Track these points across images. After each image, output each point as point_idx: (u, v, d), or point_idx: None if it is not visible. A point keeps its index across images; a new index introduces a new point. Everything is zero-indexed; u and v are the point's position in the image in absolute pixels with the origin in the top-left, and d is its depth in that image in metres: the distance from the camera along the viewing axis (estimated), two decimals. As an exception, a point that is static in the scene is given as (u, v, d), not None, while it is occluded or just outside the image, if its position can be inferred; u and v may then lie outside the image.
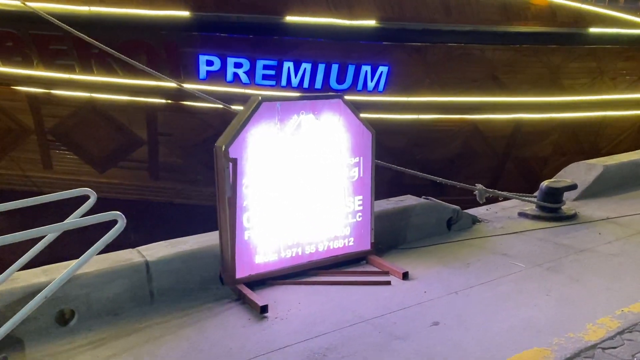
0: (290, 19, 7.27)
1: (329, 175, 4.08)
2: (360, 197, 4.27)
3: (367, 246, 4.32)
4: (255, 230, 3.80)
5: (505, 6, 8.02)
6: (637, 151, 7.32)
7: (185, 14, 7.09)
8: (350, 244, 4.26)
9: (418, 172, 5.66)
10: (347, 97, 4.13)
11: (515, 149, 9.51)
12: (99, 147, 8.53)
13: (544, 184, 5.49)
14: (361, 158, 4.24)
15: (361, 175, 4.25)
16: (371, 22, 7.54)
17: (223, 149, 3.58)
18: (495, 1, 7.95)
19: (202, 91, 7.72)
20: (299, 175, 3.94)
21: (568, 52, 8.75)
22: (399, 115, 8.54)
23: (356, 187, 4.23)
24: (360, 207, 4.28)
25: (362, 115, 4.18)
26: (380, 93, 8.21)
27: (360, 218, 4.27)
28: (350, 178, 4.20)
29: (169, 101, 7.94)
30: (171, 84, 7.58)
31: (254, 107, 3.71)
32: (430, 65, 8.15)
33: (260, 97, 3.75)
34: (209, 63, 7.55)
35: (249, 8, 7.18)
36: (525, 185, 9.09)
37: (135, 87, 7.80)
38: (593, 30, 8.73)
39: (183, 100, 7.93)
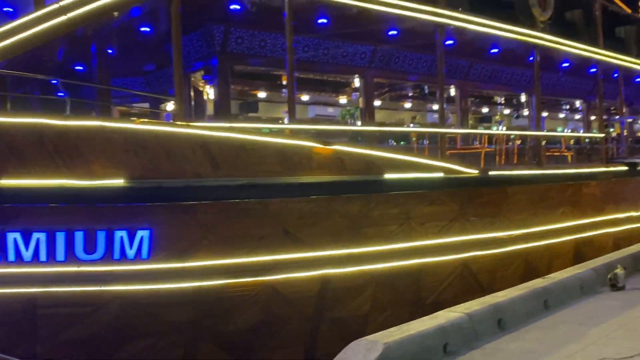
0: (5, 182, 5.88)
1: None
2: None
3: None
4: None
5: (285, 157, 7.28)
6: (435, 314, 6.34)
7: None
8: None
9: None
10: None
11: (327, 309, 8.36)
12: None
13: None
14: None
15: None
16: (119, 182, 6.35)
17: None
18: (272, 152, 7.19)
19: None
20: None
21: (366, 200, 8.10)
22: (176, 284, 7.14)
23: None
24: None
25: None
26: (146, 260, 6.83)
27: None
28: None
29: None
30: None
31: None
32: (204, 224, 7.01)
33: None
34: None
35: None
36: (348, 348, 7.85)
37: None
38: (388, 176, 8.23)
39: None
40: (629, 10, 18.03)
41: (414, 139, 13.18)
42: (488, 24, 10.10)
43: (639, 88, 17.18)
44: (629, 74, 16.13)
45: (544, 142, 16.44)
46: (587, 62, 14.03)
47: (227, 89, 9.27)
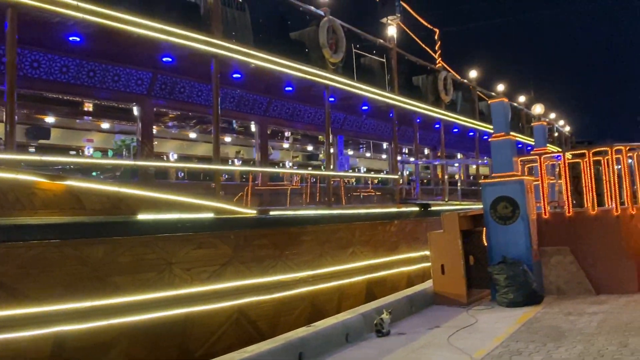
0: None
1: None
2: None
3: None
4: None
5: (-5, 192, 6.03)
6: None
7: None
8: None
9: None
10: None
11: (66, 371, 7.07)
12: None
13: None
14: None
15: None
16: None
17: None
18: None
19: None
20: None
21: (112, 244, 7.07)
22: None
23: None
24: None
25: None
26: None
27: None
28: None
29: None
30: None
31: None
32: None
33: None
34: None
35: None
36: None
37: None
38: (143, 217, 7.31)
39: None
40: (439, 61, 19.60)
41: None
42: (271, 60, 9.84)
43: (440, 133, 18.38)
44: (430, 120, 17.23)
45: (377, 181, 16.80)
46: (388, 107, 14.60)
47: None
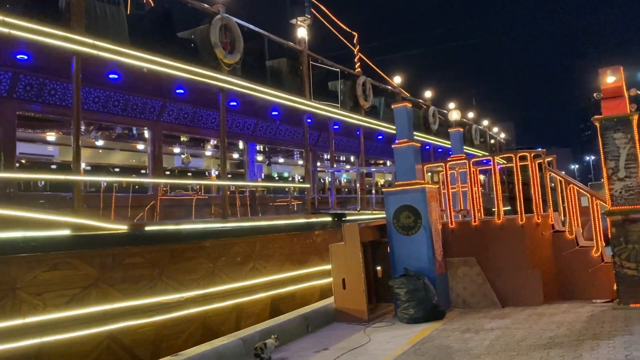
0: None
1: None
2: None
3: None
4: None
5: None
6: None
7: None
8: None
9: None
10: None
11: None
12: None
13: None
14: None
15: None
16: None
17: None
18: None
19: None
20: None
21: None
22: None
23: None
24: None
25: None
26: None
27: None
28: None
29: None
30: None
31: None
32: None
33: None
34: None
35: None
36: None
37: None
38: (-27, 236, 6.32)
39: None
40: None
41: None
42: (149, 59, 8.96)
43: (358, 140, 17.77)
44: (352, 126, 16.67)
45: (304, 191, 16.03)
46: (302, 112, 13.92)
47: None
